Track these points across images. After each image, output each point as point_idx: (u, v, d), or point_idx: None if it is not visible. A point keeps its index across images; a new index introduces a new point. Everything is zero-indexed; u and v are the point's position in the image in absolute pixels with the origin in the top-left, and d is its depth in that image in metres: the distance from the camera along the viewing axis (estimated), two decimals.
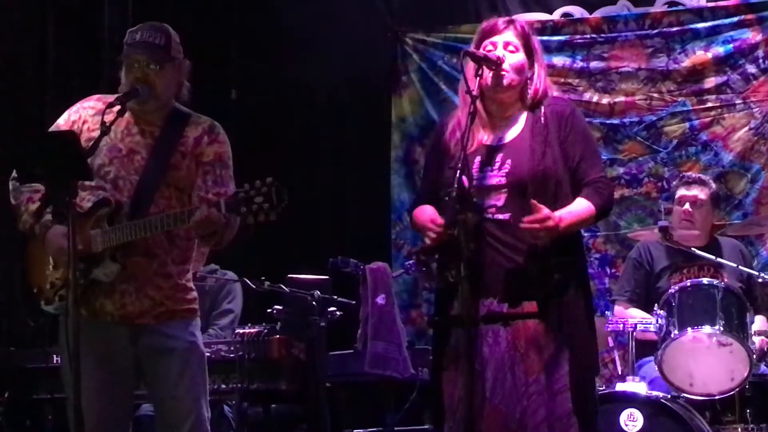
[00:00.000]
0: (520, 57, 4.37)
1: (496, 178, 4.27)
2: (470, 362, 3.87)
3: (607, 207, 4.35)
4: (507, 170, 4.26)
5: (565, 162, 4.28)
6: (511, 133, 4.36)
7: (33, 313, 5.28)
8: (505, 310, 4.10)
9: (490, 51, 4.34)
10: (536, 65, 4.41)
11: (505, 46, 4.36)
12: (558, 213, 4.13)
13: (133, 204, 4.41)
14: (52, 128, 4.60)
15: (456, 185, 3.93)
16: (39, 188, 4.38)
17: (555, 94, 4.53)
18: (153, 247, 4.44)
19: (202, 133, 4.56)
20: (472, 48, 4.41)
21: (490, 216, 4.24)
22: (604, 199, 4.30)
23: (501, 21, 4.45)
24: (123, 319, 4.43)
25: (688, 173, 7.07)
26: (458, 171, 3.96)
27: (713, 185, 6.66)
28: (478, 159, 4.31)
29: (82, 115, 4.56)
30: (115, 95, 4.47)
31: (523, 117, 4.38)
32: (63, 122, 4.58)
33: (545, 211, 4.08)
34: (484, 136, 4.37)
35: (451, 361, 4.23)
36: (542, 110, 4.35)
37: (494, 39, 4.38)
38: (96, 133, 4.36)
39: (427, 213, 4.29)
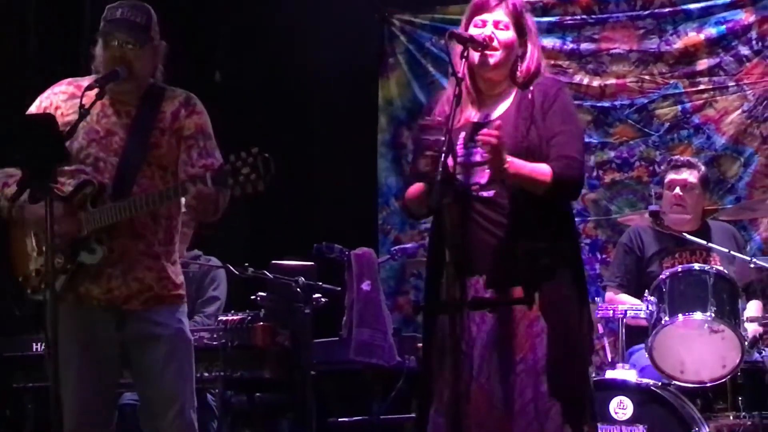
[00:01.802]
0: (510, 35, 4.30)
1: (480, 154, 4.18)
2: (456, 346, 3.84)
3: (566, 182, 4.17)
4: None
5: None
6: (499, 111, 4.30)
7: (18, 302, 5.21)
8: (490, 295, 4.06)
9: (478, 27, 4.28)
10: (529, 44, 4.34)
11: (495, 24, 4.29)
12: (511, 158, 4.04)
13: (116, 185, 4.37)
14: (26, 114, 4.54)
15: (440, 168, 3.85)
16: (13, 173, 4.35)
17: (547, 74, 4.46)
18: (139, 228, 4.40)
19: (179, 106, 4.51)
20: (461, 26, 4.34)
21: (474, 194, 4.18)
22: (567, 174, 4.15)
23: None
24: (109, 303, 4.38)
25: (676, 156, 7.01)
26: (443, 153, 3.89)
27: (702, 167, 6.61)
28: (463, 135, 4.24)
29: (54, 101, 4.51)
30: (90, 77, 4.43)
31: (512, 94, 4.32)
32: (35, 109, 4.53)
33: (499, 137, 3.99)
34: (472, 113, 4.32)
35: (439, 344, 4.19)
36: (531, 88, 4.29)
37: (484, 16, 4.31)
38: (70, 118, 4.32)
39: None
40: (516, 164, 4.06)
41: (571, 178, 4.20)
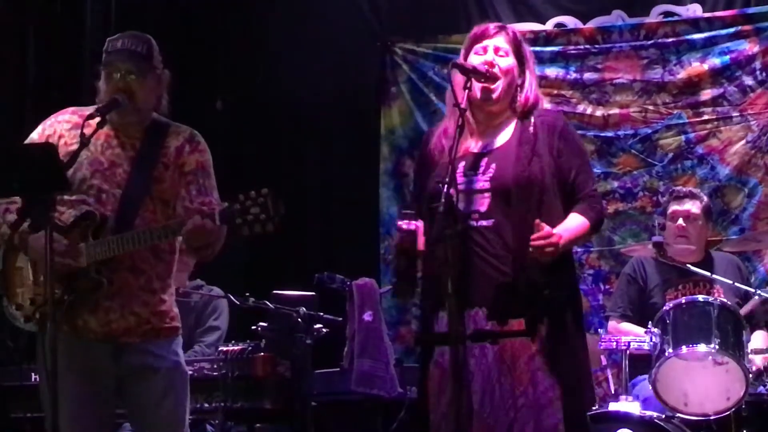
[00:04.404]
0: (510, 61, 4.34)
1: (481, 182, 4.22)
2: (457, 379, 3.80)
3: (600, 221, 4.33)
4: (491, 174, 4.22)
5: (558, 175, 4.24)
6: (499, 140, 4.32)
7: (12, 331, 5.19)
8: (491, 327, 4.03)
9: (479, 54, 4.30)
10: (527, 73, 4.38)
11: (495, 50, 4.33)
12: (557, 230, 4.08)
13: (118, 217, 4.34)
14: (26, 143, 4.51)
15: (443, 199, 3.85)
16: (16, 199, 4.30)
17: (547, 105, 4.47)
18: (139, 262, 4.37)
19: (183, 142, 4.49)
20: (461, 57, 4.38)
21: (473, 223, 4.18)
22: (597, 214, 4.29)
23: (492, 26, 4.42)
24: (107, 336, 4.34)
25: (678, 187, 6.97)
26: (445, 185, 3.90)
27: (705, 198, 6.58)
28: (462, 164, 4.24)
29: (57, 130, 4.48)
30: (93, 107, 4.40)
31: (513, 125, 4.34)
32: (37, 137, 4.50)
33: (548, 228, 4.03)
34: (472, 144, 4.33)
35: (437, 377, 4.19)
36: (532, 120, 4.30)
37: (485, 43, 4.35)
38: (73, 147, 4.28)
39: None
40: (564, 236, 4.10)
41: (601, 215, 4.35)
